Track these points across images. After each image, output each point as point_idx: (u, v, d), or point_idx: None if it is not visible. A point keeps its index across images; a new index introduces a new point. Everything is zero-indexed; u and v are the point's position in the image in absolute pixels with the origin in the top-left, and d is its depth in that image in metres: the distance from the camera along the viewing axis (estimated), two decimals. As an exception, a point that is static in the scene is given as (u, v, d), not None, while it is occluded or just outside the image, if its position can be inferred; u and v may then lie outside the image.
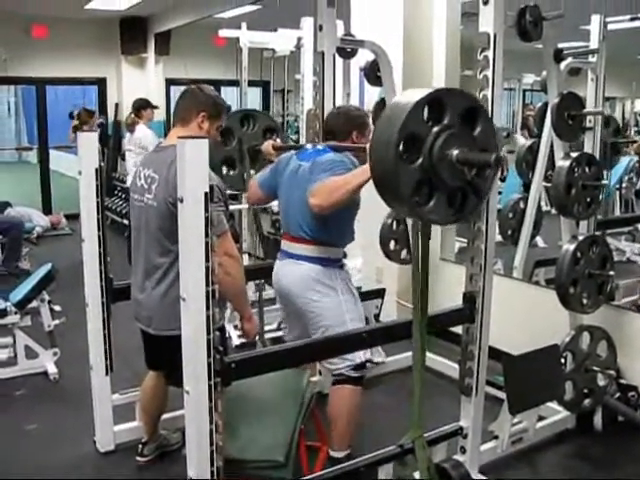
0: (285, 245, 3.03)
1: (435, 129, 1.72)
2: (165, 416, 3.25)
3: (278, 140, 3.60)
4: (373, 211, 3.36)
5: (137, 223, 2.82)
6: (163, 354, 2.86)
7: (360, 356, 2.90)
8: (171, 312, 2.64)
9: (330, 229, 2.91)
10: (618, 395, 3.47)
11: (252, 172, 3.75)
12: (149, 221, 2.72)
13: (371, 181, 1.97)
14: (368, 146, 1.80)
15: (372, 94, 4.72)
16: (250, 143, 3.79)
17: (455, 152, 1.72)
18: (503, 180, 5.41)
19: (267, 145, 3.44)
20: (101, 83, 10.31)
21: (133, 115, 6.88)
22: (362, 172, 2.63)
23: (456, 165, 1.73)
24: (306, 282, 2.91)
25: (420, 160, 1.70)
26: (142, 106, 6.88)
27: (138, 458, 3.18)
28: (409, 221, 2.36)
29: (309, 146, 3.11)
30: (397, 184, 1.67)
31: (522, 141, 5.72)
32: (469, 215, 1.96)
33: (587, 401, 3.39)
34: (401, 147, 1.66)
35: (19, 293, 4.22)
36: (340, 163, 2.83)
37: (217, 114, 2.81)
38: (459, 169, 1.73)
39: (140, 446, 3.19)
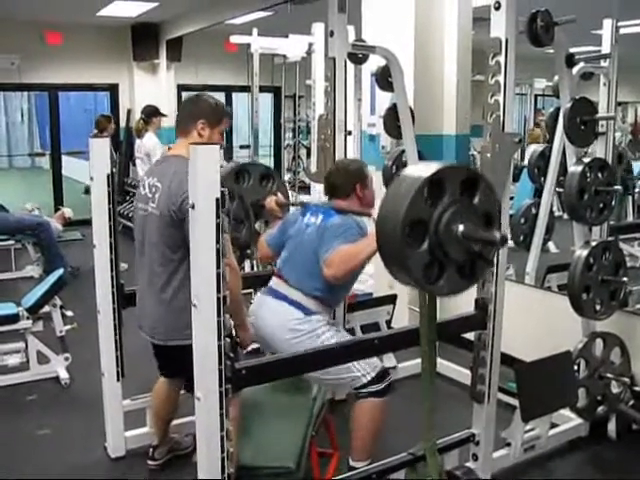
0: (276, 284, 3.04)
1: (438, 209, 1.74)
2: (177, 421, 3.25)
3: (279, 196, 3.60)
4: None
5: (140, 232, 2.83)
6: (170, 363, 2.88)
7: (374, 368, 2.87)
8: (173, 322, 2.66)
9: (329, 291, 2.94)
10: (632, 402, 3.44)
11: (258, 225, 3.74)
12: (152, 230, 2.73)
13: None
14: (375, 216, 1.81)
15: (383, 99, 4.71)
16: (252, 198, 3.68)
17: (460, 228, 1.74)
18: (516, 180, 5.40)
19: (270, 201, 3.49)
20: (113, 89, 10.37)
21: (142, 122, 6.86)
22: (370, 242, 2.62)
23: (463, 242, 1.75)
24: (284, 324, 2.91)
25: (427, 243, 1.73)
26: (152, 113, 6.89)
27: (149, 462, 3.19)
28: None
29: (314, 206, 3.18)
30: (406, 268, 1.70)
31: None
32: (477, 281, 1.97)
33: (601, 408, 3.37)
34: (406, 232, 1.69)
35: (31, 298, 4.24)
36: (349, 228, 2.90)
37: (216, 120, 2.80)
38: (467, 245, 1.76)
39: (151, 449, 3.20)
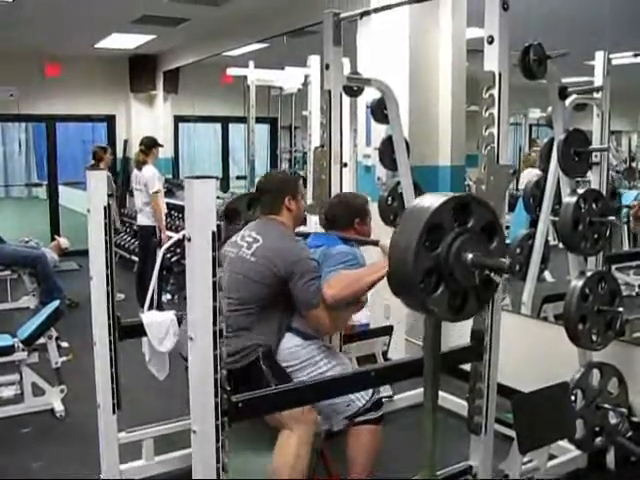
0: None
1: (459, 229, 1.84)
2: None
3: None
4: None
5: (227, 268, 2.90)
6: None
7: (367, 393, 2.88)
8: None
9: None
10: (630, 433, 3.42)
11: None
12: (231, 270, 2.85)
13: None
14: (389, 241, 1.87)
15: (379, 131, 4.75)
16: None
17: (470, 255, 1.83)
18: (511, 210, 5.43)
19: None
20: (110, 120, 10.45)
21: (142, 154, 6.82)
22: (377, 269, 2.77)
23: (469, 265, 1.82)
24: (282, 350, 2.93)
25: (439, 250, 1.80)
26: (152, 144, 6.90)
27: None
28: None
29: (319, 233, 3.27)
30: (412, 267, 1.75)
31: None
32: (466, 318, 2.00)
33: (599, 439, 3.34)
34: (425, 235, 1.77)
35: (27, 330, 4.22)
36: (353, 258, 2.98)
37: (295, 189, 3.04)
38: (470, 270, 1.83)
39: None
